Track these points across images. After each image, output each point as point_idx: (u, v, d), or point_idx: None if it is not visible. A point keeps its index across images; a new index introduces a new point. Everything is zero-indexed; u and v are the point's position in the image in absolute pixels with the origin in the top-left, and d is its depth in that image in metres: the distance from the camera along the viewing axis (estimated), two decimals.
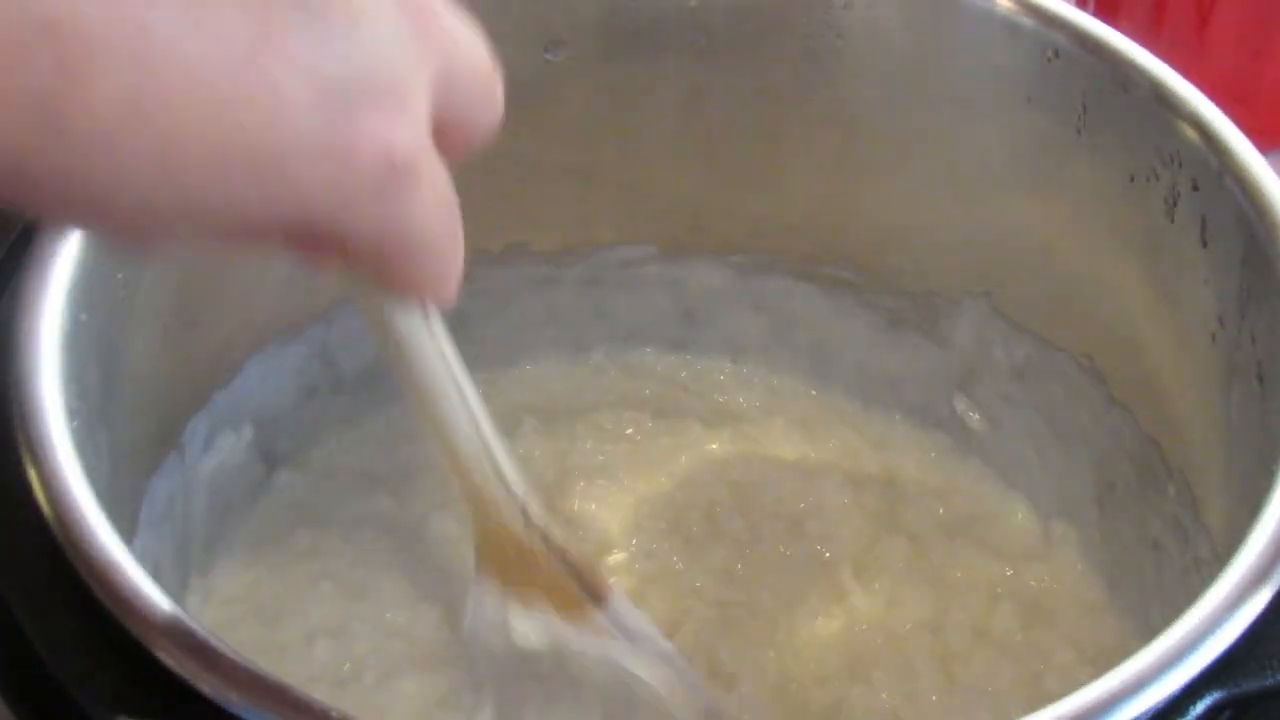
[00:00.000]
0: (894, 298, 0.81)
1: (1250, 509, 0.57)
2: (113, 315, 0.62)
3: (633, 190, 0.80)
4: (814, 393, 0.84)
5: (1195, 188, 0.67)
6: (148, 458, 0.68)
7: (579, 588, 0.62)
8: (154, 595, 0.51)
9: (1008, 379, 0.79)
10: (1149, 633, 0.68)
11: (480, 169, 0.73)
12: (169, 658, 0.50)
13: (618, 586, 0.64)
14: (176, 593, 0.69)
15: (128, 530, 0.62)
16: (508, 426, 0.79)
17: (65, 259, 0.60)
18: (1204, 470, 0.68)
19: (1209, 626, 0.51)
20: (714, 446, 0.82)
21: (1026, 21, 0.71)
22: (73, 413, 0.57)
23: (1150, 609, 0.72)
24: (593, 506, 0.78)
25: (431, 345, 0.54)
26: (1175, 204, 0.68)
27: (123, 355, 0.63)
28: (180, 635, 0.50)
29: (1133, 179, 0.69)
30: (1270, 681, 0.52)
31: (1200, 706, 0.51)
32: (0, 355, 0.58)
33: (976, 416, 0.81)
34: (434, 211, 0.46)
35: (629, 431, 0.82)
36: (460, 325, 0.56)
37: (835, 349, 0.84)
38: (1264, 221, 0.63)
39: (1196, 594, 0.67)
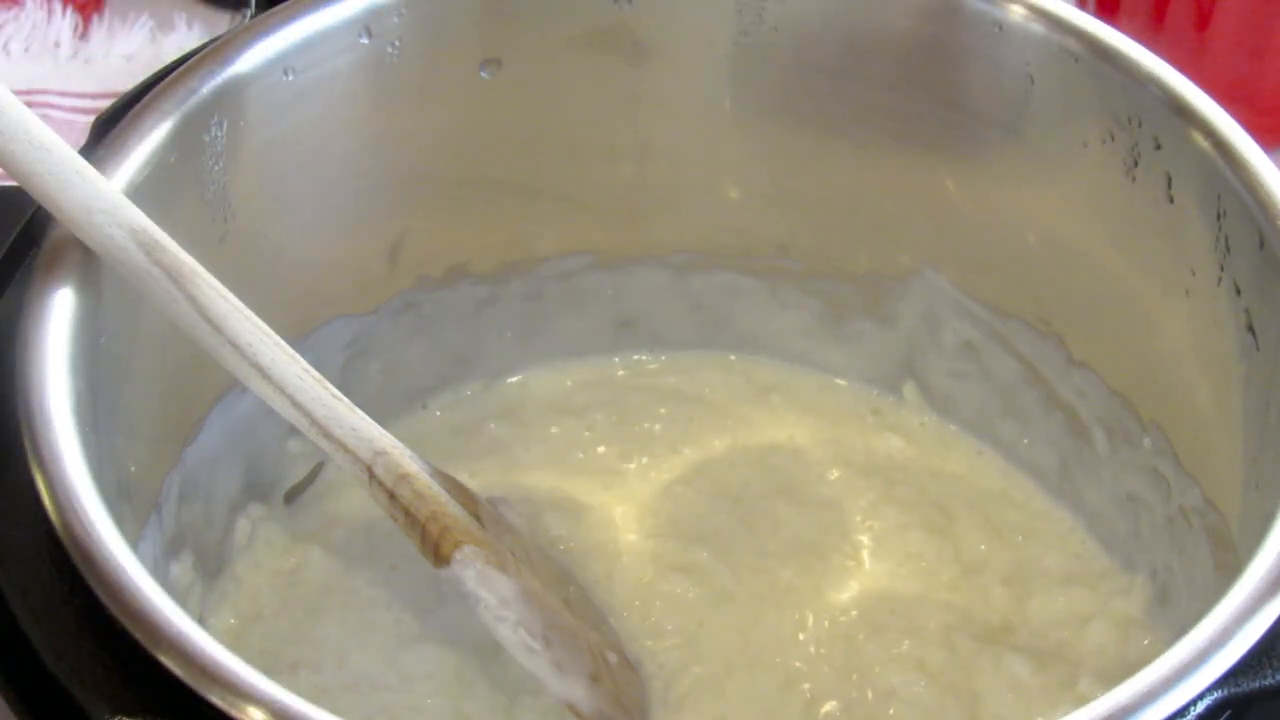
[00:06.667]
0: (836, 282, 0.82)
1: (1257, 464, 0.58)
2: (121, 311, 0.62)
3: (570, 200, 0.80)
4: (779, 381, 0.84)
5: (1158, 146, 0.68)
6: (159, 454, 0.68)
7: (421, 544, 0.66)
8: (161, 603, 0.51)
9: (958, 355, 0.80)
10: (1134, 588, 0.73)
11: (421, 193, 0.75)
12: (175, 666, 0.50)
13: (473, 551, 0.66)
14: (185, 595, 0.70)
15: (134, 530, 0.62)
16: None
17: (73, 265, 0.60)
18: (1191, 422, 0.69)
19: (1221, 639, 0.52)
20: (701, 439, 0.82)
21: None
22: (80, 410, 0.57)
23: (1137, 560, 0.74)
24: (602, 498, 0.79)
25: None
26: (1136, 164, 0.68)
27: (131, 350, 0.63)
28: (186, 646, 0.50)
29: (1086, 143, 0.70)
30: (1270, 681, 0.52)
31: (1201, 706, 0.51)
32: (5, 355, 0.58)
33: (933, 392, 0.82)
34: None
35: (618, 431, 0.82)
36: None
37: (785, 339, 0.84)
38: (1238, 174, 0.64)
39: (1185, 547, 0.70)
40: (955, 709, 0.71)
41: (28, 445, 0.55)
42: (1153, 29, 0.95)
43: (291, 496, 0.78)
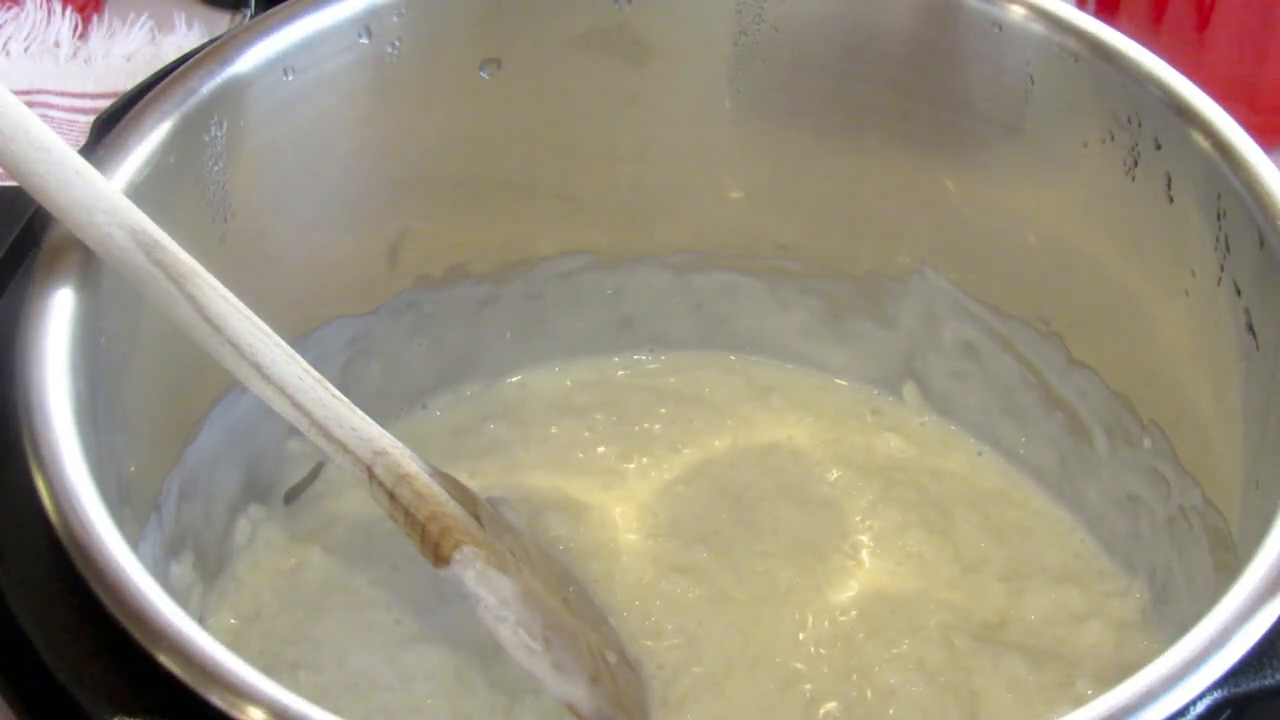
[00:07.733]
0: (836, 282, 0.82)
1: (1257, 465, 0.58)
2: (121, 311, 0.62)
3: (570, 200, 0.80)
4: (779, 381, 0.84)
5: (1158, 146, 0.68)
6: (159, 454, 0.68)
7: (421, 544, 0.66)
8: (161, 603, 0.51)
9: (958, 355, 0.80)
10: (1134, 589, 0.73)
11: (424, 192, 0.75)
12: (175, 666, 0.50)
13: (473, 551, 0.66)
14: (185, 595, 0.70)
15: (134, 530, 0.63)
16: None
17: (73, 265, 0.60)
18: (1191, 422, 0.69)
19: (1221, 639, 0.52)
20: (703, 439, 0.82)
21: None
22: (80, 410, 0.57)
23: (1136, 560, 0.74)
24: (601, 499, 0.79)
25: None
26: (1136, 164, 0.69)
27: (131, 350, 0.63)
28: (186, 646, 0.50)
29: (1086, 143, 0.70)
30: (1270, 681, 0.52)
31: (1201, 706, 0.51)
32: (5, 355, 0.58)
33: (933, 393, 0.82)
34: None
35: (618, 431, 0.82)
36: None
37: (785, 339, 0.84)
38: (1238, 174, 0.64)
39: (1185, 547, 0.70)
40: (954, 708, 0.71)
41: (28, 445, 0.55)
42: (1153, 29, 0.95)
43: (291, 496, 0.78)
